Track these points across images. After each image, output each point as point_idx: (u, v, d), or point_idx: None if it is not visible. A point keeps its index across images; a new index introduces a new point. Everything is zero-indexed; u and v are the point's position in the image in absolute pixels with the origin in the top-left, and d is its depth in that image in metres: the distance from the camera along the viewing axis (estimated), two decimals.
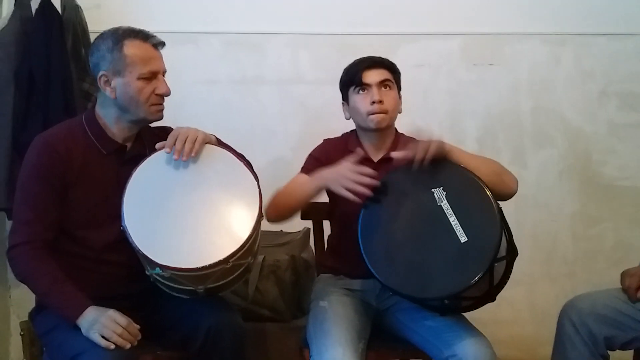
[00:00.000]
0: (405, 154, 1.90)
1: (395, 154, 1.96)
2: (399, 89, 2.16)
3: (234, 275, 1.85)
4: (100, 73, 1.87)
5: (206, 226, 1.81)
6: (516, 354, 2.89)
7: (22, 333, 1.99)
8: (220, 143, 1.96)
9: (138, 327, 1.76)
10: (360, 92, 2.09)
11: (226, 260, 1.75)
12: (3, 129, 2.49)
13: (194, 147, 1.84)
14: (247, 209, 1.82)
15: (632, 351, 2.13)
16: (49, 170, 1.85)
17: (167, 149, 1.84)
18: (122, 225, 1.79)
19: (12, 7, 2.57)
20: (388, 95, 2.09)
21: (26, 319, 1.98)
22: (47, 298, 1.83)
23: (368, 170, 1.88)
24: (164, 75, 1.93)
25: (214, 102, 2.93)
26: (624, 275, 2.09)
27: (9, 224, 2.24)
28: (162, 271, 1.77)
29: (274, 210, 2.03)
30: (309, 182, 2.01)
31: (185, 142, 1.83)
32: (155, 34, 1.93)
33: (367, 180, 1.85)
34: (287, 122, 2.95)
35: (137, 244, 1.76)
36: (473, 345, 1.82)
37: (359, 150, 2.04)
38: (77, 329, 1.74)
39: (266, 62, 2.95)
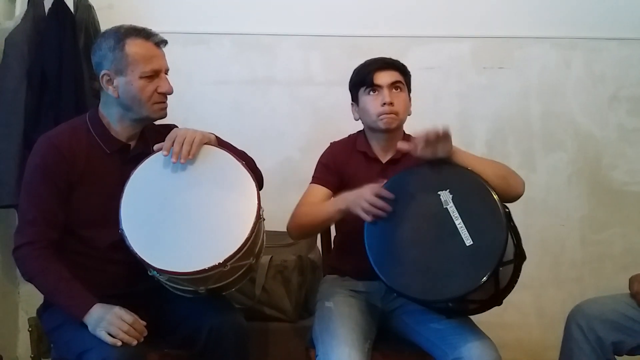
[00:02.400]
0: (413, 144, 1.86)
1: (401, 144, 1.92)
2: (409, 90, 2.16)
3: (236, 276, 1.85)
4: (103, 72, 1.87)
5: (203, 229, 1.79)
6: (523, 357, 2.88)
7: (30, 329, 1.99)
8: (220, 142, 1.94)
9: (144, 323, 1.77)
10: (371, 93, 2.09)
11: (223, 263, 1.74)
12: (15, 127, 2.52)
13: (192, 149, 1.82)
14: (245, 210, 1.80)
15: (639, 356, 2.12)
16: (52, 171, 1.84)
17: (165, 152, 1.83)
18: (120, 229, 1.79)
19: (25, 7, 2.60)
20: (398, 97, 2.09)
21: (34, 315, 1.99)
22: (53, 297, 1.83)
23: (386, 193, 1.85)
24: (166, 74, 1.92)
25: (225, 103, 2.94)
26: (632, 280, 2.08)
27: None
28: (160, 275, 1.78)
29: (297, 230, 2.06)
30: (331, 204, 2.01)
31: (182, 144, 1.82)
32: (157, 32, 1.91)
33: (383, 203, 1.84)
34: (296, 123, 2.95)
35: (134, 247, 1.76)
36: (479, 348, 1.82)
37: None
38: (84, 326, 1.75)
39: (277, 64, 2.96)
